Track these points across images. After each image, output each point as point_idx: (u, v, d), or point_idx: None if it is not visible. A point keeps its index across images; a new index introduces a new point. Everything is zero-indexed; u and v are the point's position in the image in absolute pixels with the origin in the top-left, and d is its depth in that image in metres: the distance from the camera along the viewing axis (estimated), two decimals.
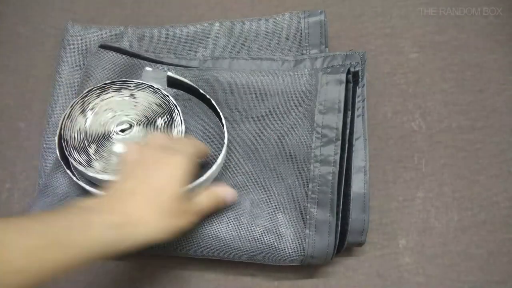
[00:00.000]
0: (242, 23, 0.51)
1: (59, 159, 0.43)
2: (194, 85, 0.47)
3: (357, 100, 0.45)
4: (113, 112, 0.45)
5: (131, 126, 0.45)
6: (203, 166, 0.43)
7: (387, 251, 0.46)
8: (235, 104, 0.47)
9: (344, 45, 0.55)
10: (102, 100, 0.46)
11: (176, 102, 0.46)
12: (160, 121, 0.45)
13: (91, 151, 0.43)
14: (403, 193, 0.49)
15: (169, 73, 0.47)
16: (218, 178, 0.44)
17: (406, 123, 0.51)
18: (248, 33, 0.51)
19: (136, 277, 0.46)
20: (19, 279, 0.27)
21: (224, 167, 0.45)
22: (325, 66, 0.47)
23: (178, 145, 0.39)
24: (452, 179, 0.49)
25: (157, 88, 0.46)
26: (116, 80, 0.47)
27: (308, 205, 0.42)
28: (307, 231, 0.41)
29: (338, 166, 0.41)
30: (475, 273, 0.45)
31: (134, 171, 0.36)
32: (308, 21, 0.50)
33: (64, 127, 0.44)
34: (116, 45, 0.50)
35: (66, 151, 0.43)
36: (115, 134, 0.44)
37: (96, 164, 0.42)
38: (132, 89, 0.46)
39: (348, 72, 0.44)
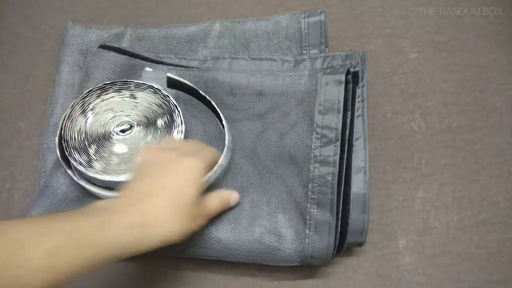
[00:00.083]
0: (242, 23, 0.51)
1: (60, 159, 0.43)
2: (195, 87, 0.47)
3: (357, 100, 0.45)
4: (114, 113, 0.45)
5: (131, 126, 0.45)
6: None
7: (387, 251, 0.46)
8: (235, 105, 0.47)
9: (344, 45, 0.55)
10: (103, 101, 0.46)
11: (177, 102, 0.46)
12: (160, 122, 0.45)
13: (92, 151, 0.43)
14: (403, 193, 0.49)
15: (169, 74, 0.47)
16: (218, 179, 0.44)
17: (406, 123, 0.51)
18: (248, 33, 0.51)
19: (136, 278, 0.46)
20: (39, 279, 0.27)
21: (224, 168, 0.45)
22: (325, 66, 0.47)
23: (195, 150, 0.39)
24: (452, 179, 0.49)
25: (157, 89, 0.46)
26: (117, 80, 0.47)
27: (308, 205, 0.42)
28: (307, 231, 0.41)
29: (337, 166, 0.41)
30: (475, 273, 0.45)
31: (150, 172, 0.36)
32: (308, 21, 0.50)
33: (64, 128, 0.44)
34: (116, 45, 0.50)
35: (67, 151, 0.43)
36: (115, 134, 0.44)
37: (97, 165, 0.42)
38: (133, 90, 0.46)
39: (348, 72, 0.44)
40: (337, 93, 0.43)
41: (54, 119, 0.50)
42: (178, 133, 0.44)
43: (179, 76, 0.48)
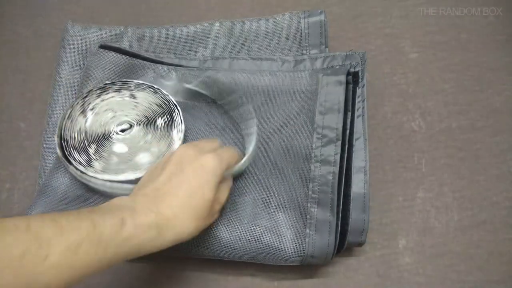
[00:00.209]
0: (242, 23, 0.51)
1: (61, 157, 0.43)
2: (212, 97, 0.47)
3: (357, 100, 0.45)
4: (113, 112, 0.45)
5: (131, 126, 0.45)
6: None
7: (387, 251, 0.46)
8: (235, 105, 0.47)
9: (344, 45, 0.55)
10: (103, 100, 0.46)
11: (176, 102, 0.46)
12: (160, 121, 0.45)
13: (91, 151, 0.43)
14: (403, 193, 0.49)
15: (187, 85, 0.47)
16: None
17: (406, 123, 0.51)
18: (248, 33, 0.51)
19: (136, 277, 0.46)
20: (55, 275, 0.27)
21: None
22: (325, 66, 0.47)
23: (214, 148, 0.39)
24: (452, 179, 0.49)
25: (157, 88, 0.47)
26: (116, 80, 0.47)
27: (309, 204, 0.42)
28: (307, 230, 0.41)
29: (338, 166, 0.41)
30: (475, 273, 0.45)
31: (169, 170, 0.36)
32: (308, 21, 0.50)
33: (64, 127, 0.44)
34: (116, 45, 0.50)
35: (66, 151, 0.43)
36: (115, 134, 0.44)
37: (96, 164, 0.42)
38: (132, 89, 0.46)
39: (348, 73, 0.44)
40: (337, 94, 0.43)
41: (54, 119, 0.50)
42: (178, 133, 0.44)
43: (179, 76, 0.49)
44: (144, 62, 0.50)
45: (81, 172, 0.43)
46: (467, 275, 0.45)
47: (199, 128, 0.47)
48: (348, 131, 0.43)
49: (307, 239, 0.41)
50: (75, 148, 0.43)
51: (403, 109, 0.52)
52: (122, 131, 0.45)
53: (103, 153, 0.43)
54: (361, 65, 0.46)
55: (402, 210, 0.48)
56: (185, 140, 0.45)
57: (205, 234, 0.42)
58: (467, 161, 0.50)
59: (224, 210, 0.42)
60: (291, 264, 0.42)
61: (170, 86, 0.48)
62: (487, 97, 0.52)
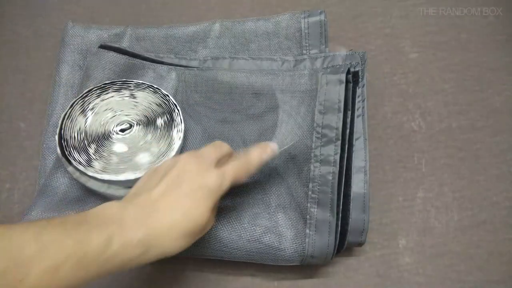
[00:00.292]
0: (242, 23, 0.51)
1: (61, 157, 0.43)
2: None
3: (357, 100, 0.45)
4: (113, 112, 0.45)
5: (131, 126, 0.45)
6: None
7: (387, 251, 0.46)
8: (235, 104, 0.47)
9: (344, 45, 0.55)
10: (102, 100, 0.46)
11: (176, 101, 0.46)
12: (160, 121, 0.45)
13: (91, 151, 0.43)
14: (403, 193, 0.49)
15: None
16: None
17: (406, 123, 0.51)
18: (248, 33, 0.51)
19: (136, 277, 0.46)
20: None
21: None
22: (325, 66, 0.47)
23: (224, 163, 0.36)
24: (452, 179, 0.49)
25: (157, 88, 0.47)
26: (116, 80, 0.47)
27: (308, 205, 0.42)
28: (307, 231, 0.41)
29: (338, 166, 0.41)
30: (475, 273, 0.45)
31: (166, 181, 0.34)
32: (308, 21, 0.50)
33: (64, 127, 0.44)
34: (116, 45, 0.50)
35: (66, 151, 0.43)
36: (115, 134, 0.44)
37: (96, 164, 0.42)
38: (132, 89, 0.47)
39: (348, 72, 0.44)
40: (337, 93, 0.43)
41: (54, 119, 0.50)
42: (177, 132, 0.44)
43: (178, 76, 0.49)
44: (144, 62, 0.50)
45: (80, 172, 0.43)
46: (467, 275, 0.45)
47: (198, 129, 0.47)
48: (348, 131, 0.43)
49: (307, 239, 0.41)
50: (75, 148, 0.43)
51: (403, 109, 0.52)
52: (122, 131, 0.45)
53: (103, 153, 0.43)
54: (361, 65, 0.46)
55: (402, 210, 0.48)
56: (185, 140, 0.45)
57: (205, 234, 0.42)
58: (467, 161, 0.50)
59: (224, 210, 0.42)
60: (291, 264, 0.42)
61: None
62: (487, 97, 0.52)
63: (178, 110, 0.45)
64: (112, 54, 0.49)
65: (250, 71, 0.47)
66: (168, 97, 0.46)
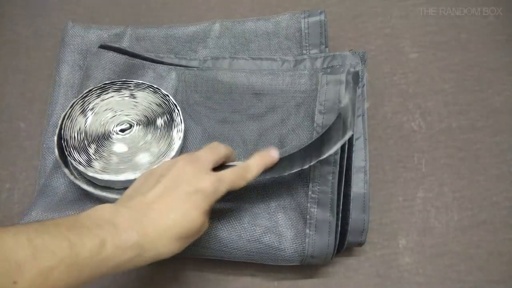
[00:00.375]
0: (242, 23, 0.51)
1: (58, 158, 0.43)
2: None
3: (357, 100, 0.45)
4: (113, 112, 0.45)
5: (131, 126, 0.45)
6: None
7: (387, 251, 0.46)
8: (235, 104, 0.47)
9: (344, 45, 0.55)
10: (102, 100, 0.46)
11: (176, 101, 0.46)
12: (160, 121, 0.45)
13: (91, 151, 0.43)
14: (403, 193, 0.49)
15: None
16: None
17: (406, 123, 0.51)
18: (248, 33, 0.51)
19: (136, 278, 0.46)
20: None
21: None
22: (325, 66, 0.47)
23: (222, 169, 0.36)
24: (452, 179, 0.49)
25: (157, 88, 0.47)
26: (116, 80, 0.47)
27: (308, 205, 0.42)
28: (307, 231, 0.41)
29: (338, 166, 0.41)
30: (475, 273, 0.45)
31: (162, 184, 0.34)
32: (308, 21, 0.50)
33: (64, 127, 0.44)
34: (116, 45, 0.50)
35: (66, 151, 0.43)
36: (115, 134, 0.44)
37: (96, 164, 0.42)
38: (132, 89, 0.47)
39: (348, 72, 0.44)
40: (337, 93, 0.43)
41: (54, 119, 0.50)
42: (177, 132, 0.44)
43: (178, 76, 0.49)
44: (144, 62, 0.50)
45: (76, 175, 0.43)
46: (467, 275, 0.45)
47: (198, 129, 0.47)
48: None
49: (307, 239, 0.41)
50: (75, 148, 0.43)
51: (403, 109, 0.52)
52: (122, 131, 0.45)
53: (103, 153, 0.43)
54: (361, 65, 0.46)
55: (402, 210, 0.48)
56: (185, 140, 0.45)
57: (205, 234, 0.42)
58: (467, 161, 0.50)
59: (224, 210, 0.42)
60: (291, 264, 0.42)
61: None
62: (487, 97, 0.52)
63: (178, 110, 0.45)
64: (112, 54, 0.49)
65: (250, 71, 0.47)
66: (168, 97, 0.46)
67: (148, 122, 0.45)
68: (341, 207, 0.42)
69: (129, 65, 0.49)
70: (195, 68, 0.49)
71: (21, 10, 0.59)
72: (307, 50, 0.50)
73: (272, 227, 0.42)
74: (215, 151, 0.37)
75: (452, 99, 0.52)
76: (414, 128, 0.51)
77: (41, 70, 0.56)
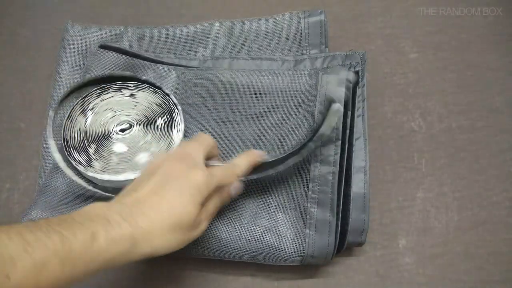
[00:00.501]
0: (242, 23, 0.51)
1: (56, 161, 0.43)
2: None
3: (357, 100, 0.45)
4: (113, 112, 0.45)
5: (131, 126, 0.45)
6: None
7: (387, 251, 0.46)
8: (235, 104, 0.47)
9: (344, 45, 0.55)
10: (102, 100, 0.46)
11: (177, 101, 0.46)
12: (160, 121, 0.45)
13: (91, 151, 0.43)
14: (403, 193, 0.49)
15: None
16: None
17: (406, 123, 0.51)
18: (248, 33, 0.51)
19: (135, 277, 0.46)
20: None
21: None
22: (325, 66, 0.47)
23: (212, 166, 0.37)
24: (452, 179, 0.49)
25: (158, 87, 0.47)
26: (115, 73, 0.47)
27: (308, 205, 0.42)
28: (307, 231, 0.41)
29: (338, 166, 0.41)
30: (475, 273, 0.45)
31: (153, 181, 0.34)
32: (308, 21, 0.50)
33: (64, 127, 0.44)
34: (116, 45, 0.50)
35: (66, 151, 0.43)
36: (115, 134, 0.44)
37: (96, 164, 0.42)
38: (132, 89, 0.47)
39: (348, 72, 0.44)
40: (337, 93, 0.43)
41: (54, 119, 0.50)
42: (177, 132, 0.44)
43: (178, 76, 0.49)
44: (144, 62, 0.50)
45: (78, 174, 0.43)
46: (467, 275, 0.45)
47: (197, 129, 0.47)
48: (348, 131, 0.43)
49: (307, 239, 0.41)
50: (75, 148, 0.43)
51: (403, 109, 0.52)
52: (122, 131, 0.45)
53: (103, 153, 0.43)
54: (361, 65, 0.46)
55: (402, 210, 0.48)
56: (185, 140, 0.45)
57: (205, 234, 0.42)
58: (467, 161, 0.50)
59: (224, 210, 0.42)
60: (291, 264, 0.42)
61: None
62: (487, 97, 0.52)
63: (178, 110, 0.45)
64: (112, 54, 0.49)
65: (250, 71, 0.47)
66: (169, 96, 0.46)
67: (148, 122, 0.45)
68: (341, 207, 0.42)
69: (129, 65, 0.49)
70: (195, 68, 0.49)
71: (21, 10, 0.59)
72: (307, 50, 0.50)
73: (272, 227, 0.42)
74: (204, 142, 0.38)
75: (452, 99, 0.52)
76: (414, 128, 0.51)
77: (41, 70, 0.56)
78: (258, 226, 0.42)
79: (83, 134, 0.44)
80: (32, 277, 0.26)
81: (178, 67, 0.49)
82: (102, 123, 0.45)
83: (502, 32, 0.55)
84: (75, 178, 0.42)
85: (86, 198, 0.44)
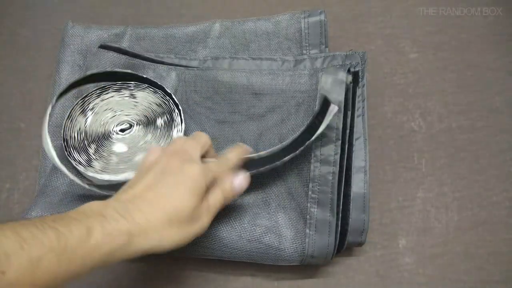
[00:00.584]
0: (242, 23, 0.51)
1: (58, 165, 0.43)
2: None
3: (357, 100, 0.45)
4: (113, 112, 0.45)
5: (131, 126, 0.45)
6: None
7: (387, 251, 0.46)
8: (235, 104, 0.47)
9: (344, 45, 0.55)
10: (102, 100, 0.46)
11: (177, 101, 0.46)
12: (160, 121, 0.45)
13: (91, 151, 0.43)
14: (403, 193, 0.49)
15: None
16: None
17: (406, 123, 0.51)
18: (248, 33, 0.51)
19: (135, 277, 0.46)
20: None
21: None
22: (325, 66, 0.47)
23: (207, 161, 0.37)
24: (452, 179, 0.49)
25: (157, 88, 0.47)
26: (116, 69, 0.47)
27: (308, 205, 0.42)
28: (307, 231, 0.41)
29: (338, 166, 0.41)
30: (475, 273, 0.45)
31: (149, 176, 0.34)
32: (308, 21, 0.50)
33: (64, 127, 0.44)
34: (116, 45, 0.50)
35: (66, 151, 0.43)
36: (115, 134, 0.44)
37: (96, 164, 0.42)
38: (132, 89, 0.47)
39: (348, 72, 0.44)
40: (337, 93, 0.43)
41: (54, 119, 0.50)
42: (177, 132, 0.44)
43: (178, 76, 0.49)
44: (144, 62, 0.50)
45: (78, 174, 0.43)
46: (467, 275, 0.45)
47: (197, 129, 0.47)
48: (348, 131, 0.43)
49: (307, 239, 0.41)
50: (75, 148, 0.43)
51: (403, 109, 0.52)
52: (122, 131, 0.45)
53: (103, 153, 0.43)
54: (361, 65, 0.46)
55: (402, 210, 0.48)
56: None
57: (205, 234, 0.42)
58: (467, 161, 0.50)
59: (224, 210, 0.42)
60: (291, 264, 0.42)
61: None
62: (487, 97, 0.52)
63: (178, 110, 0.45)
64: (112, 54, 0.49)
65: (250, 71, 0.47)
66: (170, 96, 0.46)
67: (148, 122, 0.45)
68: (341, 207, 0.42)
69: (129, 65, 0.49)
70: (195, 68, 0.49)
71: (21, 10, 0.59)
72: (307, 50, 0.50)
73: (272, 227, 0.42)
74: (200, 140, 0.38)
75: (452, 99, 0.52)
76: (414, 128, 0.51)
77: (41, 70, 0.56)
78: (258, 226, 0.42)
79: (83, 134, 0.44)
80: (28, 273, 0.26)
81: (178, 67, 0.49)
82: (102, 123, 0.45)
83: (502, 32, 0.55)
84: (72, 176, 0.42)
85: (86, 198, 0.44)
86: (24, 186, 0.50)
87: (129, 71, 0.47)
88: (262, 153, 0.40)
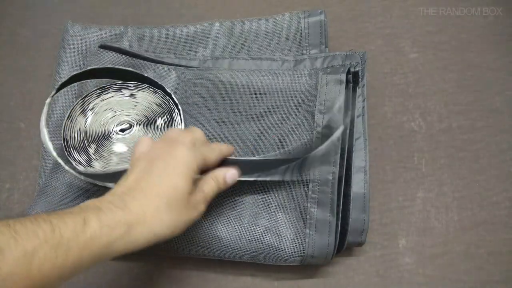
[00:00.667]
0: (242, 23, 0.51)
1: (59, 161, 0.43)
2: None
3: (357, 100, 0.45)
4: (113, 112, 0.45)
5: (131, 126, 0.45)
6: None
7: (387, 251, 0.46)
8: (235, 104, 0.47)
9: (344, 45, 0.55)
10: (102, 100, 0.46)
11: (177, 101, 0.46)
12: (160, 121, 0.45)
13: (91, 151, 0.43)
14: (403, 193, 0.49)
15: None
16: None
17: (406, 123, 0.51)
18: (248, 33, 0.51)
19: (135, 277, 0.46)
20: (11, 286, 0.25)
21: None
22: (325, 66, 0.47)
23: (188, 138, 0.37)
24: (452, 179, 0.49)
25: (157, 88, 0.47)
26: (118, 67, 0.47)
27: (308, 205, 0.42)
28: (307, 230, 0.41)
29: (338, 166, 0.41)
30: (475, 273, 0.45)
31: (139, 166, 0.34)
32: (308, 21, 0.50)
33: (64, 127, 0.44)
34: (116, 45, 0.50)
35: (66, 151, 0.43)
36: (115, 134, 0.44)
37: (96, 164, 0.42)
38: (132, 89, 0.47)
39: (348, 72, 0.44)
40: (337, 93, 0.43)
41: (54, 119, 0.50)
42: None
43: (178, 76, 0.49)
44: (144, 62, 0.50)
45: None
46: (467, 275, 0.45)
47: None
48: (348, 131, 0.43)
49: (307, 239, 0.41)
50: (75, 148, 0.43)
51: (403, 109, 0.52)
52: (122, 131, 0.45)
53: (103, 153, 0.43)
54: (361, 65, 0.46)
55: (402, 210, 0.48)
56: None
57: (205, 234, 0.42)
58: (467, 161, 0.50)
59: (224, 210, 0.42)
60: (291, 264, 0.42)
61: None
62: (487, 97, 0.52)
63: (178, 110, 0.45)
64: (112, 54, 0.49)
65: (250, 71, 0.47)
66: (170, 96, 0.46)
67: (148, 122, 0.45)
68: (341, 207, 0.42)
69: (129, 65, 0.49)
70: (195, 68, 0.49)
71: (21, 10, 0.59)
72: (307, 50, 0.50)
73: (272, 227, 0.42)
74: (195, 133, 0.39)
75: (452, 99, 0.52)
76: (414, 128, 0.51)
77: (41, 70, 0.56)
78: (258, 226, 0.42)
79: (83, 134, 0.44)
80: (22, 266, 0.26)
81: (178, 67, 0.49)
82: (102, 123, 0.45)
83: (502, 32, 0.55)
84: (67, 167, 0.42)
85: (86, 198, 0.44)
86: (24, 186, 0.50)
87: (130, 69, 0.47)
88: (255, 158, 0.40)
